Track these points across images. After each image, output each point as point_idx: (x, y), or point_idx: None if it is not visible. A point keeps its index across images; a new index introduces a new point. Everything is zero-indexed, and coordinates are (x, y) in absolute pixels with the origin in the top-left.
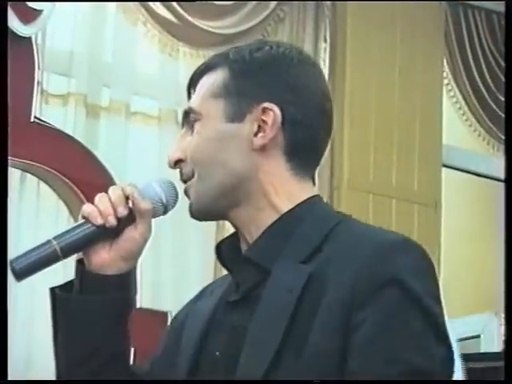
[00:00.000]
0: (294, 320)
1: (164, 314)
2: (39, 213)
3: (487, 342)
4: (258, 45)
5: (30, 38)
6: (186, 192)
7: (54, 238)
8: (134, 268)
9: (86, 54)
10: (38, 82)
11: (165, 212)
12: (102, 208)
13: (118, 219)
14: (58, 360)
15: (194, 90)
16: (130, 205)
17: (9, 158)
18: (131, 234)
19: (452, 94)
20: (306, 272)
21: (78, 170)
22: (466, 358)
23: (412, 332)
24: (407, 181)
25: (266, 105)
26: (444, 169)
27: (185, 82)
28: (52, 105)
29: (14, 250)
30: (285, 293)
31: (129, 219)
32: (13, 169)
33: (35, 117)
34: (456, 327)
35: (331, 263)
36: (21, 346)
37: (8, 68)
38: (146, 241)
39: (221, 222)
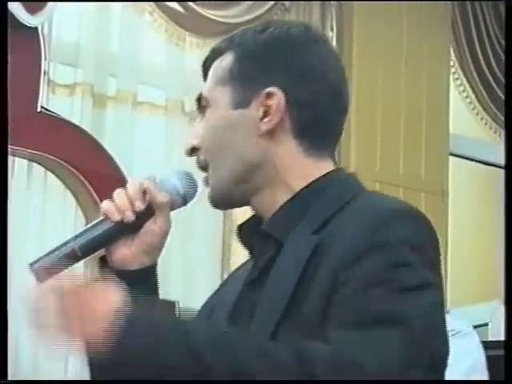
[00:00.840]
0: (297, 290)
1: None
2: (46, 202)
3: (495, 330)
4: (262, 26)
5: (36, 28)
6: (205, 182)
7: (73, 238)
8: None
9: (92, 44)
10: (45, 72)
11: (184, 203)
12: (119, 203)
13: (136, 214)
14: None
15: (207, 76)
16: (148, 198)
17: (16, 147)
18: (151, 227)
19: (459, 82)
20: (314, 242)
21: (84, 160)
22: None
23: (390, 285)
24: (414, 170)
25: (269, 89)
26: (451, 157)
27: (191, 71)
28: (59, 95)
29: (21, 239)
30: (292, 265)
31: (148, 213)
32: (20, 159)
33: (42, 107)
34: (464, 315)
35: (337, 231)
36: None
37: (8, 58)
38: (166, 233)
39: (228, 210)
